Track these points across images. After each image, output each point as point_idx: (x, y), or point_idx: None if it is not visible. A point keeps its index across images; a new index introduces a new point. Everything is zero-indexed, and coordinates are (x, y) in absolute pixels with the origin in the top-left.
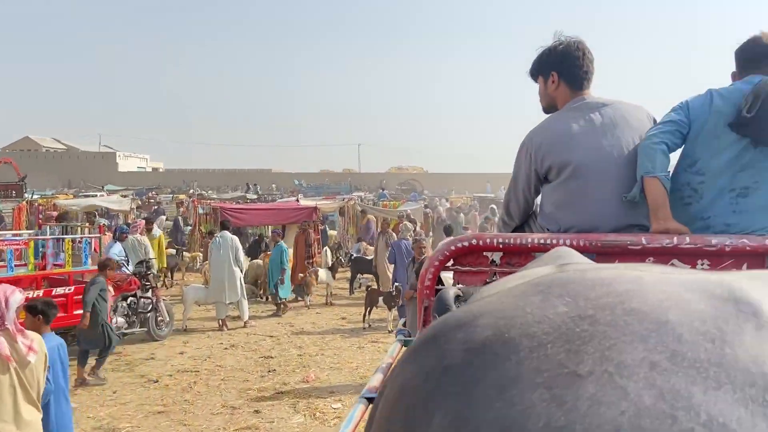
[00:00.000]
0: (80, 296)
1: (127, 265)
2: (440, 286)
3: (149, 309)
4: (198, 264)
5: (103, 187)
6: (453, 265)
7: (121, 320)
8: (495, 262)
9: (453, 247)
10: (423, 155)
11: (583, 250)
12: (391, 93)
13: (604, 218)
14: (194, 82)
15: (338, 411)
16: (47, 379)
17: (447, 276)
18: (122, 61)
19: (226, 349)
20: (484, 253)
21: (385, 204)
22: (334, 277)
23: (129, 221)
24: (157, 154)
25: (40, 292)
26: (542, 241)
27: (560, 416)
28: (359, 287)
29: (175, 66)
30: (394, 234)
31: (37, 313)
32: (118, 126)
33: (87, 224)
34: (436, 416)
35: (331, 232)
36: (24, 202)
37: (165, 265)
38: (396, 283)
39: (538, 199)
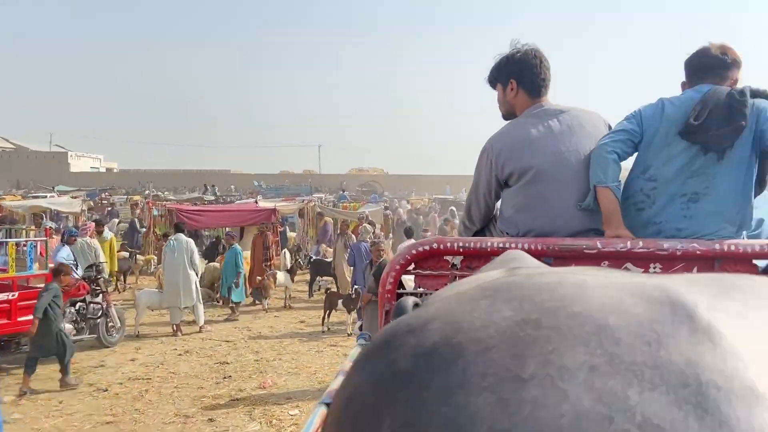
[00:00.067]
0: (25, 302)
1: (76, 269)
2: (401, 290)
3: (99, 315)
4: (152, 267)
5: (53, 188)
6: (414, 268)
7: (69, 326)
8: (456, 265)
9: (414, 251)
10: (384, 157)
11: (540, 254)
12: (353, 94)
13: (563, 222)
14: (152, 81)
15: (295, 417)
16: None
17: (408, 279)
18: (75, 58)
19: (180, 355)
20: (445, 257)
21: (345, 206)
22: (293, 280)
23: (80, 223)
24: (112, 154)
25: None
26: (501, 245)
27: (504, 420)
28: (318, 290)
29: (133, 64)
30: (353, 236)
31: None
32: (70, 125)
33: (33, 227)
34: (384, 423)
35: (291, 234)
36: None
37: (116, 269)
38: (356, 286)
39: (499, 204)
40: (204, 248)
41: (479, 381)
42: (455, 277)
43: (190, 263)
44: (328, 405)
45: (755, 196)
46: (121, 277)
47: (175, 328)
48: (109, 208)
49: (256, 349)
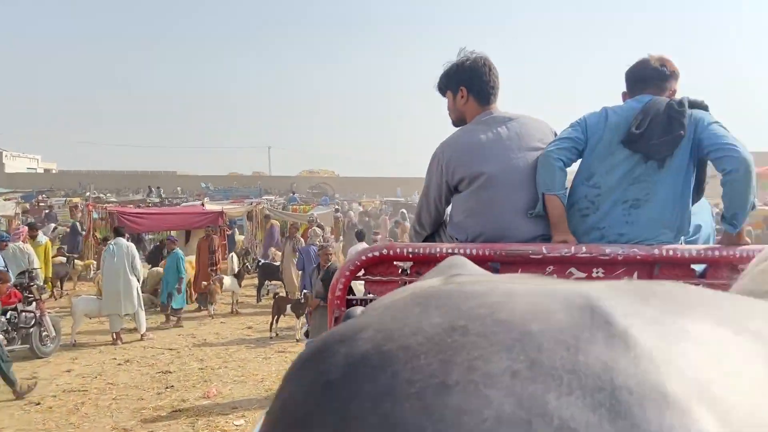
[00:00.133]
0: None
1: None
2: (351, 296)
3: (32, 323)
4: (92, 273)
5: None
6: (364, 274)
7: None
8: (406, 271)
9: (364, 257)
10: (335, 159)
11: (488, 259)
12: (303, 95)
13: (512, 228)
14: (96, 79)
15: (241, 428)
16: None
17: (358, 285)
18: (11, 53)
19: (119, 364)
20: (395, 263)
21: (295, 208)
22: (240, 285)
23: (13, 227)
24: (51, 153)
25: None
26: (450, 251)
27: (428, 426)
28: (267, 294)
29: (76, 61)
30: (302, 239)
31: None
32: (6, 124)
33: None
34: None
35: (239, 238)
36: None
37: (51, 275)
38: (305, 290)
39: (449, 209)
40: (147, 253)
41: (407, 388)
42: (405, 283)
43: (131, 268)
44: None
45: (693, 203)
46: (58, 284)
47: (114, 337)
48: (47, 211)
49: (201, 356)
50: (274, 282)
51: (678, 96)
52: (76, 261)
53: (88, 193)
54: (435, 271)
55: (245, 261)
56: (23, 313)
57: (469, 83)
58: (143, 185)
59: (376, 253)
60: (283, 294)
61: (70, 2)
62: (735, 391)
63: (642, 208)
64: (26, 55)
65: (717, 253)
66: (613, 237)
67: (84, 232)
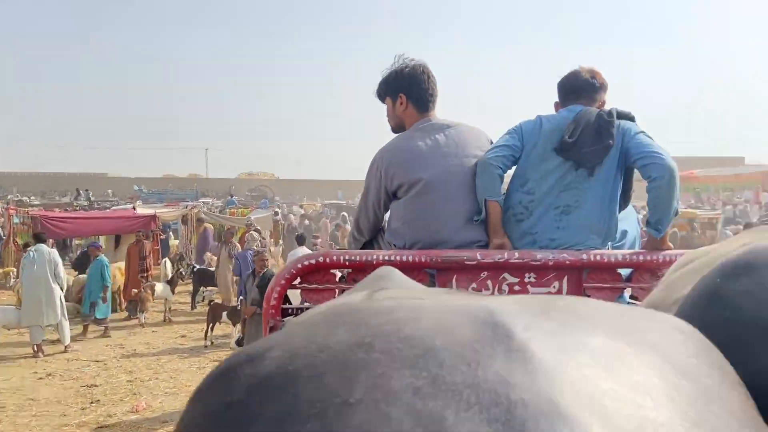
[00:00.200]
0: None
1: None
2: (287, 305)
3: None
4: (12, 280)
5: None
6: (300, 282)
7: None
8: (344, 278)
9: (299, 265)
10: (275, 161)
11: (424, 266)
12: (242, 95)
13: (450, 234)
14: (19, 73)
15: None
16: None
17: (295, 294)
18: None
19: (41, 378)
20: (332, 270)
21: (232, 211)
22: (173, 291)
23: None
24: None
25: None
26: (387, 258)
27: None
28: (202, 301)
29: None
30: (238, 245)
31: None
32: None
33: None
34: None
35: (174, 242)
36: None
37: None
38: (241, 297)
39: (387, 215)
40: (74, 259)
41: (308, 408)
42: (343, 290)
43: (54, 276)
44: None
45: (620, 210)
46: None
47: (35, 349)
48: None
49: (130, 368)
50: (209, 288)
51: (606, 107)
52: None
53: (10, 196)
54: (363, 283)
55: (179, 267)
56: None
57: (408, 90)
58: (71, 187)
59: (312, 261)
60: (218, 301)
61: None
62: (627, 404)
63: (572, 214)
64: None
65: (641, 257)
66: (545, 242)
67: (4, 238)
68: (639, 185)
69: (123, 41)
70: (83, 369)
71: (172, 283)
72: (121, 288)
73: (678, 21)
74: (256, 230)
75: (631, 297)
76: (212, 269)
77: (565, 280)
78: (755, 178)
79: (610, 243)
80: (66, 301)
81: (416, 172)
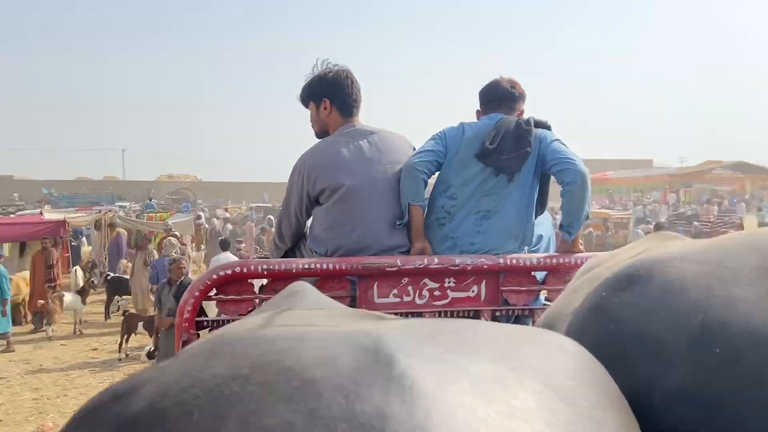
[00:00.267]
0: None
1: None
2: (202, 318)
3: None
4: None
5: None
6: (216, 294)
7: None
8: (264, 288)
9: (215, 276)
10: (197, 163)
11: (345, 273)
12: (162, 94)
13: (372, 240)
14: None
15: None
16: None
17: (212, 305)
18: None
19: None
20: (250, 280)
21: (151, 216)
22: (84, 302)
23: None
24: None
25: None
26: (307, 266)
27: None
28: (117, 311)
29: None
30: (154, 251)
31: None
32: None
33: None
34: None
35: (86, 249)
36: None
37: None
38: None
39: (309, 222)
40: None
41: None
42: (262, 301)
43: None
44: None
45: (537, 215)
46: None
47: None
48: None
49: (36, 385)
50: (125, 297)
51: (525, 116)
52: None
53: None
54: (272, 301)
55: (91, 275)
56: None
57: (332, 95)
58: None
59: (228, 271)
60: (134, 311)
61: None
62: (505, 431)
63: (492, 219)
64: None
65: (554, 260)
66: (466, 246)
67: None
68: (555, 189)
69: (32, 37)
70: None
71: (83, 292)
72: (26, 299)
73: (585, 26)
74: (174, 235)
75: (546, 299)
76: (127, 277)
77: (483, 284)
78: (663, 179)
79: (526, 247)
80: None
81: (339, 177)
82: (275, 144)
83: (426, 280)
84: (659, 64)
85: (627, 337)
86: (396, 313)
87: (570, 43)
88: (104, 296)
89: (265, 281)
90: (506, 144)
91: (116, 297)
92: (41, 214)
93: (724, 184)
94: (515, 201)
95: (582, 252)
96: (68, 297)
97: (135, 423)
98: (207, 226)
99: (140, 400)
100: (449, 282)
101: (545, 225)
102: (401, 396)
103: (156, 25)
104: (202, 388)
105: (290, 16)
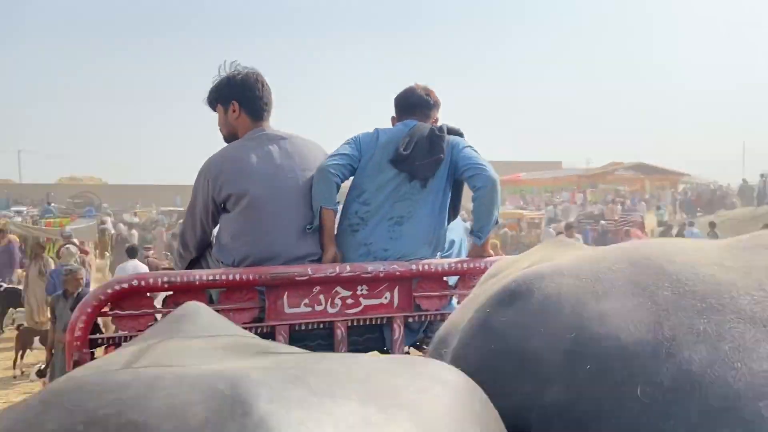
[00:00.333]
0: None
1: None
2: (96, 335)
3: None
4: None
5: None
6: (112, 309)
7: None
8: (166, 301)
9: (109, 290)
10: (102, 165)
11: (253, 284)
12: (62, 92)
13: (281, 248)
14: None
15: None
16: None
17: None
18: None
19: None
20: (149, 294)
21: (49, 222)
22: None
23: None
24: None
25: None
26: (212, 277)
27: None
28: (12, 325)
29: None
30: (51, 260)
31: None
32: None
33: None
34: None
35: None
36: None
37: None
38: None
39: (215, 231)
40: None
41: None
42: (163, 315)
43: None
44: None
45: (450, 221)
46: None
47: None
48: None
49: None
50: (20, 310)
51: (439, 123)
52: None
53: None
54: (158, 326)
55: None
56: None
57: (240, 98)
58: None
59: (125, 285)
60: (29, 325)
61: None
62: None
63: (405, 225)
64: None
65: (465, 265)
66: (379, 252)
67: None
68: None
69: None
70: None
71: None
72: None
73: (497, 28)
74: (73, 243)
75: (459, 303)
76: (21, 288)
77: (396, 290)
78: (571, 180)
79: (439, 253)
80: None
81: (246, 183)
82: (188, 145)
83: (338, 288)
84: (569, 70)
85: (508, 355)
86: (308, 323)
87: (483, 49)
88: None
89: (166, 295)
90: (420, 150)
91: (10, 309)
92: None
93: (626, 185)
94: (428, 206)
95: (492, 256)
96: None
97: None
98: (113, 231)
99: None
100: (362, 290)
101: (457, 230)
102: None
103: (59, 22)
104: None
105: (204, 14)
